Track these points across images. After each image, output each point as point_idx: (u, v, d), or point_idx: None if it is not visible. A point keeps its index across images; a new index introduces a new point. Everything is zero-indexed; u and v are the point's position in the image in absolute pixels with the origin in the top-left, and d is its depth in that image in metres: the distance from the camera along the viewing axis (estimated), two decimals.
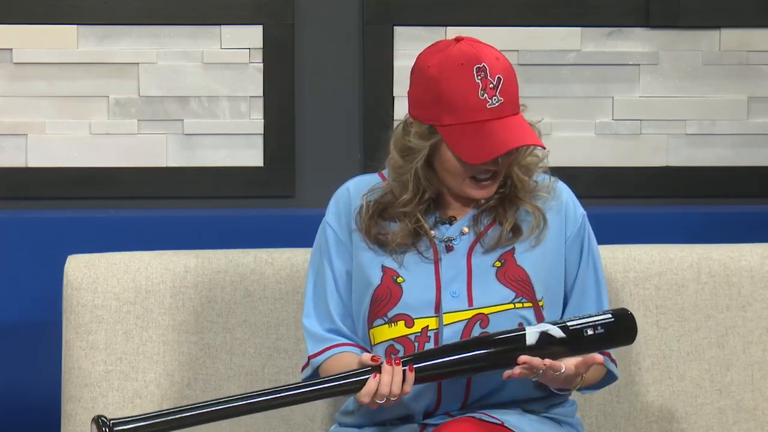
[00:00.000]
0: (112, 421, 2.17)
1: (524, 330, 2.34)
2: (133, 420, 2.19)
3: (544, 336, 2.33)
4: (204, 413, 2.23)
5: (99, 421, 2.17)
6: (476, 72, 2.37)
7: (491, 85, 2.36)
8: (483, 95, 2.36)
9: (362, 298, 2.48)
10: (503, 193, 2.47)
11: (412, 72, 2.45)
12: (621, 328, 2.40)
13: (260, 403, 2.26)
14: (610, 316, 2.38)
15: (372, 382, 2.27)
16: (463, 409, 2.44)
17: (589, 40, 3.46)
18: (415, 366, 2.29)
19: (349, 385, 2.29)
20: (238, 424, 2.84)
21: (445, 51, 2.39)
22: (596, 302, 2.52)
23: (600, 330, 2.36)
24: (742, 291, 2.94)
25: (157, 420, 2.20)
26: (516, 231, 2.46)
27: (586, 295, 2.52)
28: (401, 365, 2.28)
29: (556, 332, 2.34)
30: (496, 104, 2.37)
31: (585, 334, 2.35)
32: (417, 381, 2.30)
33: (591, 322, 2.36)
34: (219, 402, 2.25)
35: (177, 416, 2.21)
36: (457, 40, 2.42)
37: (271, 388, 2.29)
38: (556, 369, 2.32)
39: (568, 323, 2.35)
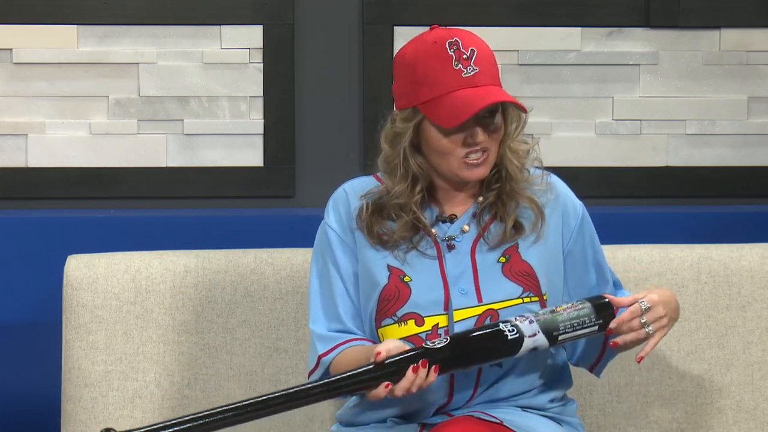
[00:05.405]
0: None
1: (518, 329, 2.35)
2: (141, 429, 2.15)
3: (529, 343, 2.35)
4: (212, 421, 2.19)
5: None
6: (449, 46, 2.40)
7: (465, 56, 2.39)
8: (458, 65, 2.39)
9: (369, 298, 2.47)
10: (500, 187, 2.47)
11: (393, 69, 2.47)
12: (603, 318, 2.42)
13: (269, 404, 2.25)
14: (595, 328, 2.38)
15: (405, 379, 2.26)
16: (470, 401, 2.44)
17: (589, 40, 3.46)
18: (440, 369, 2.29)
19: (366, 382, 2.27)
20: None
21: (419, 38, 2.44)
22: (613, 282, 2.57)
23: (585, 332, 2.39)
24: (742, 291, 2.94)
25: (166, 430, 2.16)
26: (518, 227, 2.47)
27: (603, 273, 2.55)
28: (426, 368, 2.27)
29: (542, 341, 2.36)
30: (471, 73, 2.38)
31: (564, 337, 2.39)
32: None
33: (579, 332, 2.38)
34: (227, 409, 2.21)
35: (184, 426, 2.16)
36: (432, 28, 2.45)
37: (277, 391, 2.26)
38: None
39: (560, 334, 2.36)
